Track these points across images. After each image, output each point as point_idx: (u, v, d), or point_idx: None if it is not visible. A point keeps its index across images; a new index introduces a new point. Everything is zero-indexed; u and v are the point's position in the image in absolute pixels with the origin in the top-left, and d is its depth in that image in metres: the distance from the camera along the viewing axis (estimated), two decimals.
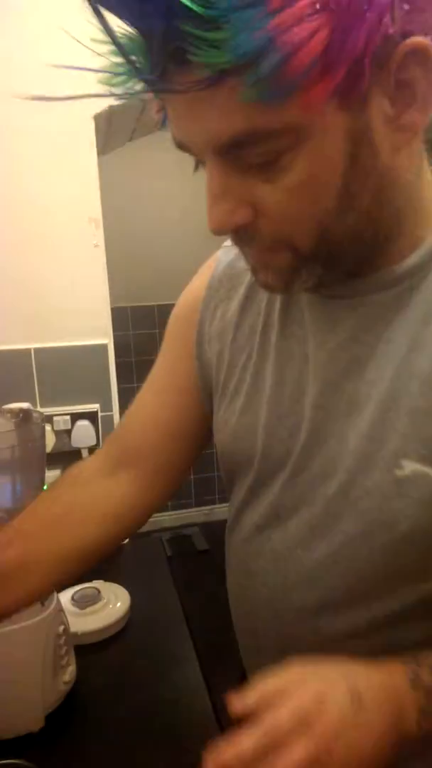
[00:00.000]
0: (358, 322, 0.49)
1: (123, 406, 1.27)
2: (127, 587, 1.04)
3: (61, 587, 0.63)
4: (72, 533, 0.63)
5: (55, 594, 0.79)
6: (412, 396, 0.46)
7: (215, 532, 3.19)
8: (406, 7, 0.35)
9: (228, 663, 0.82)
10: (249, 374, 0.57)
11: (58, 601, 0.79)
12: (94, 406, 1.21)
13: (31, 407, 1.14)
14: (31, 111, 1.09)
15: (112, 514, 0.65)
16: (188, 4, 0.31)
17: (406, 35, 0.37)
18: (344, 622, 0.51)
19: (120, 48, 0.36)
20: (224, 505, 3.47)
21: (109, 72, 0.38)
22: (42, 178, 1.13)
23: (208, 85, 0.35)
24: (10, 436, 0.81)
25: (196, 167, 0.43)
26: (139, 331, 3.09)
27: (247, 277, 0.58)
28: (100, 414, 1.22)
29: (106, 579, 1.07)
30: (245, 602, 0.61)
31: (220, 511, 3.26)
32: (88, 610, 0.96)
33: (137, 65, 0.36)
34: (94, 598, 0.99)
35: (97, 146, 1.16)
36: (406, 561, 0.48)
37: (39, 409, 1.16)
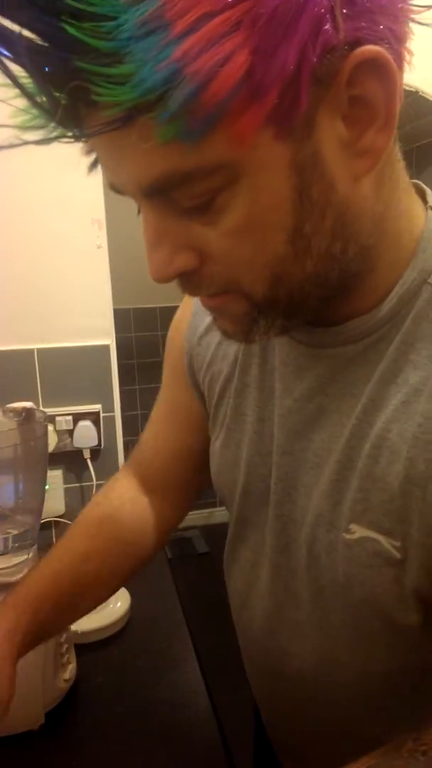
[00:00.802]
0: (323, 373, 0.46)
1: (125, 408, 1.27)
2: (127, 587, 1.04)
3: None
4: (128, 553, 0.67)
5: None
6: (363, 459, 0.42)
7: (215, 534, 3.19)
8: (346, 11, 0.29)
9: (227, 664, 0.82)
10: (230, 408, 0.55)
11: None
12: (97, 407, 1.22)
13: (34, 406, 1.14)
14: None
15: (152, 533, 0.69)
16: (81, 37, 0.27)
17: (354, 45, 0.31)
18: (340, 681, 0.50)
19: (22, 90, 0.30)
20: (224, 508, 3.50)
21: (22, 118, 0.33)
22: (45, 178, 1.13)
23: (119, 126, 0.30)
24: (12, 434, 0.81)
25: (139, 212, 0.38)
26: (141, 333, 3.10)
27: None
28: (102, 415, 1.22)
29: None
30: (243, 632, 0.62)
31: (220, 514, 3.26)
32: None
33: (46, 110, 0.31)
34: None
35: None
36: (370, 627, 0.45)
37: (41, 409, 1.17)
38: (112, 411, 1.25)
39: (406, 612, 0.43)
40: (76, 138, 0.34)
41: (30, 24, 0.27)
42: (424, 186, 0.45)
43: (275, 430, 0.50)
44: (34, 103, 0.31)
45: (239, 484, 0.55)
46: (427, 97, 1.32)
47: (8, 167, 1.11)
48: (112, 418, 1.25)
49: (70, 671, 0.79)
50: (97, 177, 1.24)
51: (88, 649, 0.90)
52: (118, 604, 0.99)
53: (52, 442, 1.18)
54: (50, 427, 1.17)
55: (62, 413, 1.19)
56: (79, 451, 1.22)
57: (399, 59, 0.33)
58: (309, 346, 0.46)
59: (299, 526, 0.49)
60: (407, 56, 0.34)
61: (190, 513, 2.77)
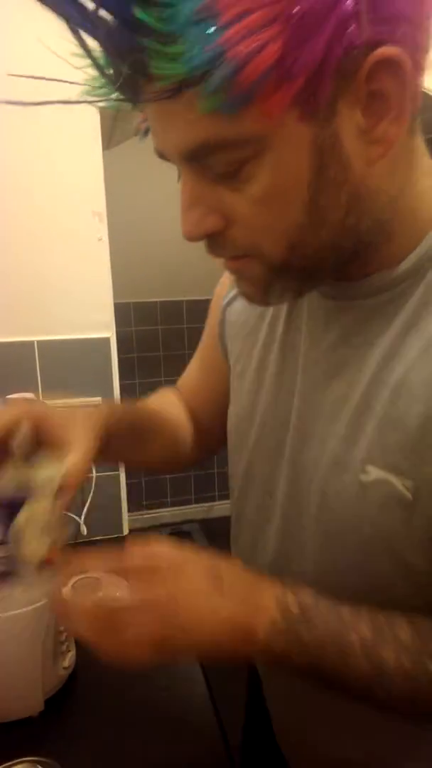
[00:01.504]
0: (348, 324, 0.49)
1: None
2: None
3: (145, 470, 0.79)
4: (177, 437, 0.74)
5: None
6: (382, 403, 0.45)
7: (215, 529, 3.20)
8: (370, 16, 0.35)
9: None
10: (254, 361, 0.60)
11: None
12: (96, 399, 1.22)
13: (35, 398, 1.15)
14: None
15: (184, 436, 0.76)
16: (146, 20, 0.33)
17: (375, 45, 0.36)
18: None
19: (94, 61, 0.37)
20: (224, 502, 3.49)
21: (88, 84, 0.40)
22: (46, 171, 1.14)
23: (169, 95, 0.36)
24: None
25: (179, 177, 0.43)
26: (141, 327, 3.10)
27: None
28: None
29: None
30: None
31: (219, 508, 3.27)
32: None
33: (111, 77, 0.38)
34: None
35: (102, 140, 1.17)
36: (377, 568, 0.47)
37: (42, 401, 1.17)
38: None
39: (414, 553, 0.45)
40: (133, 104, 0.40)
41: (107, 5, 0.34)
42: None
43: (298, 381, 0.53)
44: (102, 73, 0.37)
45: (253, 434, 0.58)
46: (429, 92, 1.31)
47: (10, 160, 1.11)
48: None
49: (69, 659, 0.80)
50: (98, 169, 1.24)
51: None
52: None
53: None
54: None
55: (62, 405, 1.19)
56: None
57: (416, 62, 0.38)
58: (334, 299, 0.51)
59: (312, 472, 0.51)
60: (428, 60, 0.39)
61: (190, 507, 2.77)
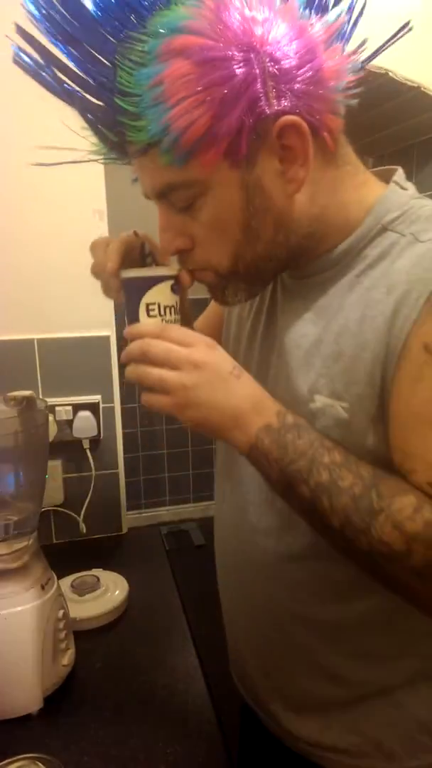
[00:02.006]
0: (306, 295, 0.64)
1: (125, 400, 1.28)
2: (126, 576, 1.05)
3: None
4: None
5: (55, 578, 0.80)
6: (329, 344, 0.59)
7: (212, 528, 3.18)
8: (277, 96, 0.51)
9: (224, 653, 0.83)
10: (247, 326, 0.74)
11: (59, 586, 0.80)
12: (96, 397, 1.22)
13: (35, 395, 1.15)
14: (36, 100, 1.10)
15: None
16: (122, 105, 0.51)
17: (281, 114, 0.52)
18: (296, 553, 0.64)
19: (95, 132, 0.56)
20: None
21: (93, 147, 0.59)
22: (46, 168, 1.13)
23: (141, 154, 0.54)
24: (13, 422, 0.82)
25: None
26: None
27: None
28: (101, 405, 1.23)
29: (106, 567, 1.09)
30: (218, 523, 0.80)
31: None
32: (87, 596, 0.98)
33: (106, 143, 0.57)
34: (93, 585, 1.00)
35: None
36: None
37: (42, 398, 1.17)
38: (112, 402, 1.25)
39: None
40: (122, 160, 0.59)
41: (99, 97, 0.53)
42: (396, 169, 0.64)
43: (276, 343, 0.67)
44: (100, 139, 0.57)
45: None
46: (429, 92, 1.31)
47: (10, 158, 1.11)
48: (112, 409, 1.25)
49: (68, 657, 0.80)
50: (98, 168, 1.23)
51: (86, 635, 0.91)
52: (116, 592, 1.00)
53: (52, 431, 1.18)
54: (50, 417, 1.18)
55: (62, 403, 1.20)
56: (78, 441, 1.23)
57: (318, 122, 0.54)
58: (297, 279, 0.66)
59: None
60: (331, 121, 0.55)
61: (188, 506, 2.78)
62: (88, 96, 0.53)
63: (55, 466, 1.22)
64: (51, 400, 1.18)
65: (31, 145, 0.73)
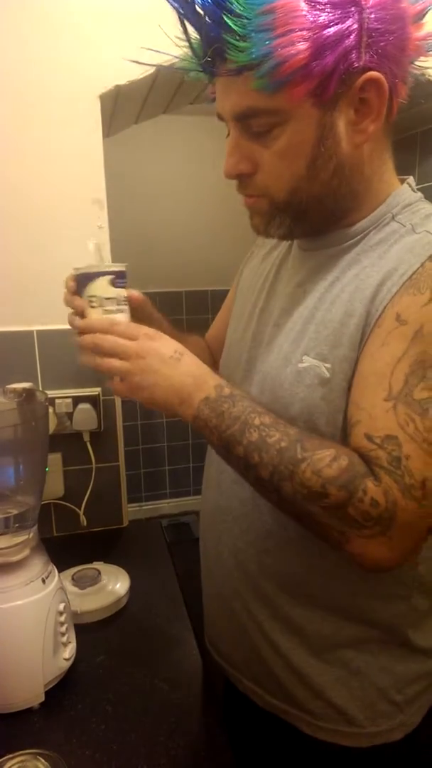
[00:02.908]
0: (312, 267, 0.70)
1: None
2: (126, 569, 1.05)
3: None
4: None
5: (56, 572, 0.80)
6: (321, 311, 0.66)
7: None
8: (366, 51, 0.56)
9: None
10: (250, 303, 0.81)
11: (60, 579, 0.80)
12: (96, 390, 1.21)
13: (35, 387, 1.14)
14: (36, 89, 1.08)
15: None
16: (230, 23, 0.54)
17: (367, 69, 0.57)
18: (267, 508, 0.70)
19: (190, 44, 0.60)
20: None
21: (185, 59, 0.62)
22: (46, 157, 1.12)
23: (235, 73, 0.57)
24: (12, 414, 0.81)
25: (228, 135, 0.65)
26: None
27: (273, 241, 0.82)
28: (101, 398, 1.22)
29: (106, 561, 1.08)
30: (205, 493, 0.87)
31: None
32: (88, 590, 0.97)
33: (199, 56, 0.60)
34: (94, 578, 1.00)
35: (102, 128, 1.15)
36: None
37: (42, 390, 1.16)
38: (112, 394, 1.24)
39: (326, 423, 0.63)
40: (210, 76, 0.61)
41: (206, 9, 0.55)
42: (410, 177, 0.70)
43: (275, 312, 0.73)
44: (194, 53, 0.60)
45: (242, 353, 0.78)
46: None
47: (9, 146, 1.10)
48: (112, 402, 1.24)
49: (70, 650, 0.79)
50: (98, 157, 1.22)
51: (88, 629, 0.90)
52: (117, 585, 1.00)
53: (52, 424, 1.17)
54: (50, 410, 1.17)
55: (62, 396, 1.19)
56: (78, 434, 1.22)
57: (394, 85, 0.59)
58: (306, 250, 0.73)
59: (267, 374, 0.70)
60: (402, 89, 0.61)
61: (188, 499, 2.77)
62: (198, 7, 0.56)
63: (55, 459, 1.21)
64: (51, 393, 1.17)
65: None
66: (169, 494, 3.37)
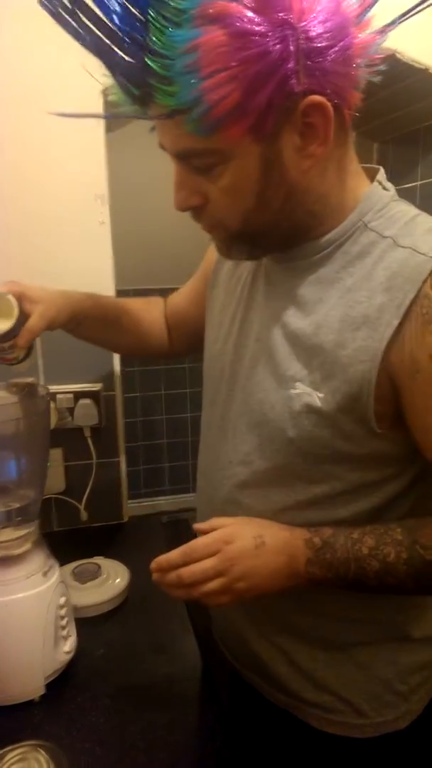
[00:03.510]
0: (290, 281, 0.67)
1: (125, 389, 1.26)
2: (126, 564, 1.05)
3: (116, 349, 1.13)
4: (146, 330, 0.98)
5: (57, 566, 0.80)
6: (309, 336, 0.63)
7: None
8: (306, 74, 0.51)
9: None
10: (229, 312, 0.78)
11: (60, 573, 0.80)
12: (97, 386, 1.22)
13: (37, 382, 1.14)
14: (39, 84, 1.08)
15: (160, 337, 1.00)
16: (153, 66, 0.49)
17: (308, 93, 0.52)
18: (262, 502, 0.69)
19: (122, 87, 0.54)
20: None
21: (116, 102, 0.57)
22: (48, 152, 1.12)
23: (166, 117, 0.53)
24: (14, 408, 0.81)
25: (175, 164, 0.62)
26: None
27: None
28: (102, 393, 1.22)
29: (107, 555, 1.08)
30: (200, 486, 0.84)
31: None
32: (89, 584, 0.97)
33: (131, 99, 0.54)
34: (95, 573, 1.00)
35: (105, 123, 1.14)
36: (295, 462, 0.66)
37: (43, 385, 1.16)
38: (113, 390, 1.24)
39: (328, 452, 0.63)
40: (145, 117, 0.56)
41: (128, 53, 0.50)
42: (379, 168, 0.68)
43: (255, 327, 0.72)
44: (124, 95, 0.54)
45: (220, 369, 0.77)
46: None
47: (10, 141, 1.09)
48: (113, 397, 1.25)
49: (70, 644, 0.80)
50: (100, 152, 1.21)
51: (88, 623, 0.91)
52: (117, 580, 1.00)
53: (53, 419, 1.18)
54: (51, 405, 1.17)
55: (63, 391, 1.19)
56: (79, 429, 1.22)
57: (342, 101, 0.55)
58: (280, 263, 0.70)
59: (255, 393, 0.69)
60: (352, 97, 0.57)
61: (187, 496, 2.76)
62: (117, 50, 0.51)
63: (56, 454, 1.22)
64: (52, 388, 1.17)
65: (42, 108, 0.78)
66: (168, 491, 3.37)
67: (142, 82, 0.51)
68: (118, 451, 1.27)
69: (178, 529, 3.03)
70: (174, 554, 0.63)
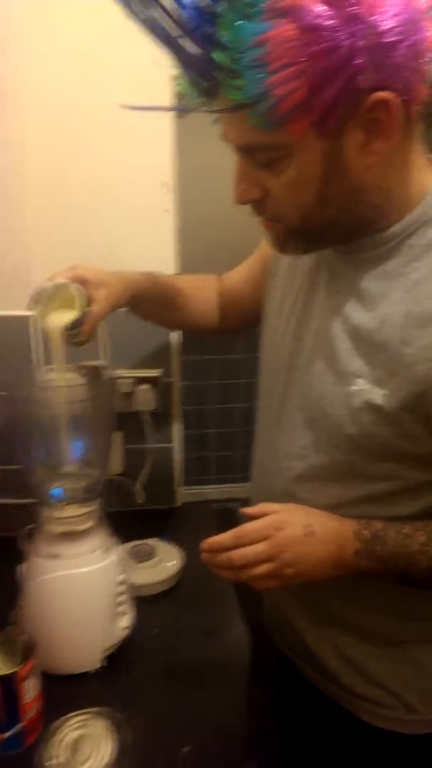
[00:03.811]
0: (352, 274, 0.66)
1: (194, 377, 1.27)
2: (180, 548, 1.07)
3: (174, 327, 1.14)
4: (200, 309, 1.01)
5: (117, 543, 0.83)
6: (373, 331, 0.63)
7: None
8: (375, 70, 0.50)
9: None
10: (289, 302, 0.78)
11: (121, 550, 0.82)
12: (157, 371, 1.23)
13: (103, 365, 1.17)
14: (109, 72, 1.10)
15: (208, 312, 1.02)
16: (223, 61, 0.49)
17: (375, 89, 0.51)
18: (318, 496, 0.69)
19: (189, 77, 0.54)
20: None
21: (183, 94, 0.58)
22: (116, 138, 1.13)
23: (231, 111, 0.53)
24: (82, 390, 0.84)
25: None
26: None
27: None
28: (161, 379, 1.24)
29: (161, 538, 1.10)
30: (255, 477, 0.85)
31: None
32: (144, 564, 1.00)
33: (196, 90, 0.55)
34: (150, 553, 1.02)
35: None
36: (353, 459, 0.65)
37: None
38: (171, 376, 1.26)
39: (375, 446, 0.63)
40: (210, 109, 0.57)
41: (198, 44, 0.50)
42: None
43: (315, 317, 0.71)
44: (192, 87, 0.55)
45: (283, 357, 0.76)
46: None
47: (79, 125, 1.12)
48: (171, 384, 1.26)
49: (127, 620, 0.82)
50: (168, 140, 1.22)
51: (142, 601, 0.93)
52: (171, 562, 1.02)
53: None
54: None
55: (124, 376, 1.21)
56: (138, 414, 1.24)
57: (410, 97, 0.53)
58: (343, 254, 0.68)
59: (314, 388, 0.69)
60: (420, 92, 0.54)
61: (233, 485, 2.76)
62: (185, 43, 0.51)
63: (115, 437, 1.25)
64: (114, 372, 1.20)
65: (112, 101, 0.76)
66: (215, 480, 3.40)
67: (209, 75, 0.51)
68: (174, 436, 1.29)
69: (224, 519, 3.05)
70: (225, 537, 0.64)
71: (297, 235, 0.64)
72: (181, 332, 1.24)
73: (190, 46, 0.51)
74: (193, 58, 0.51)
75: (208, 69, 0.51)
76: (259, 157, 0.58)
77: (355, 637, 0.73)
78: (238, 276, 1.00)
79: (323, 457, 0.68)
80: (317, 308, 0.71)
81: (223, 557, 0.63)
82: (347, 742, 0.77)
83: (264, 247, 0.92)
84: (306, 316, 0.73)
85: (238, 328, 1.04)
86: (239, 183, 0.61)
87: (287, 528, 0.63)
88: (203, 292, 1.00)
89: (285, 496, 0.73)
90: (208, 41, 0.50)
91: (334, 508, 0.68)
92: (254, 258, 0.96)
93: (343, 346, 0.65)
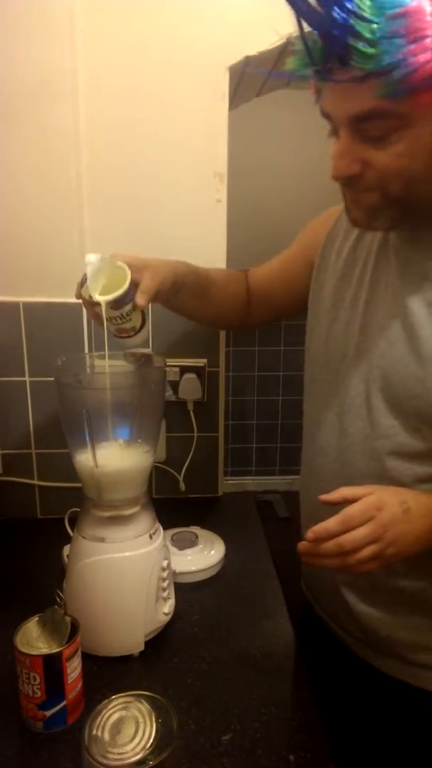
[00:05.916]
0: (424, 260, 0.69)
1: (235, 368, 1.27)
2: (223, 538, 1.07)
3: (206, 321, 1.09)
4: (230, 302, 1.00)
5: (161, 529, 0.83)
6: None
7: (297, 502, 3.17)
8: None
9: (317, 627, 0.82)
10: (349, 294, 0.79)
11: (164, 536, 0.83)
12: (202, 361, 1.24)
13: (153, 353, 1.18)
14: (166, 59, 1.10)
15: (237, 307, 1.02)
16: (361, 31, 0.52)
17: None
18: (407, 474, 0.71)
19: (306, 48, 0.57)
20: None
21: (295, 64, 0.60)
22: (171, 127, 1.13)
23: (359, 80, 0.55)
24: (131, 376, 0.84)
25: (331, 134, 0.64)
26: None
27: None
28: (207, 369, 1.24)
29: (203, 526, 1.11)
30: (320, 463, 0.83)
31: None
32: (186, 551, 1.00)
33: (315, 61, 0.57)
34: (192, 541, 1.03)
35: (228, 100, 1.14)
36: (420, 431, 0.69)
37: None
38: (217, 366, 1.26)
39: None
40: (324, 80, 0.59)
41: (337, 16, 0.52)
42: None
43: (389, 301, 0.72)
44: (309, 57, 0.57)
45: (348, 347, 0.77)
46: None
47: (138, 111, 1.12)
48: (216, 374, 1.26)
49: (169, 606, 0.83)
50: (222, 130, 1.21)
51: (184, 588, 0.94)
52: (213, 551, 1.02)
53: None
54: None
55: (170, 365, 1.22)
56: (183, 403, 1.25)
57: None
58: (410, 242, 0.71)
59: (398, 368, 0.70)
60: None
61: (271, 478, 2.77)
62: (326, 13, 0.53)
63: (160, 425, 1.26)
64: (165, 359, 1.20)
65: None
66: (254, 472, 3.40)
67: (343, 43, 0.53)
68: (217, 426, 1.29)
69: (263, 511, 3.05)
70: (331, 523, 0.62)
71: (394, 206, 0.64)
72: None
73: (331, 17, 0.53)
74: (329, 24, 0.53)
75: (345, 37, 0.53)
76: (373, 128, 0.59)
77: (419, 613, 0.75)
78: (269, 271, 1.00)
79: (414, 435, 0.70)
80: (386, 296, 0.73)
81: (331, 544, 0.62)
82: (412, 715, 0.79)
83: (302, 249, 0.93)
84: (371, 305, 0.75)
85: (261, 323, 1.06)
86: (341, 158, 0.62)
87: (387, 507, 0.64)
88: (233, 286, 1.00)
89: (369, 477, 0.73)
90: (348, 12, 0.52)
91: (422, 482, 0.70)
92: (292, 254, 0.97)
93: (428, 328, 0.67)
